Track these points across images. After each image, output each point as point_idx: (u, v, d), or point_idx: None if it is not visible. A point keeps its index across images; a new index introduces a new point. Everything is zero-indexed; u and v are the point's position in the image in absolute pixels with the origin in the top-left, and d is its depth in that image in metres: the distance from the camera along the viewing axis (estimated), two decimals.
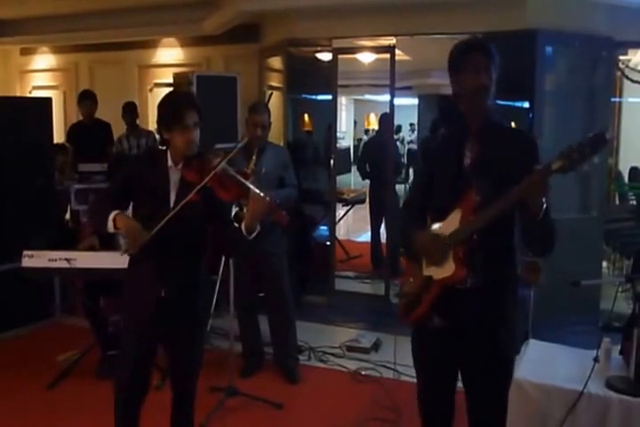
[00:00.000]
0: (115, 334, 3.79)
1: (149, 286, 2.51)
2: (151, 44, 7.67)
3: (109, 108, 6.67)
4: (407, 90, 9.13)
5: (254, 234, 2.38)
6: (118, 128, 6.53)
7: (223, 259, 3.83)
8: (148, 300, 2.51)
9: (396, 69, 5.51)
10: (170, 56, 7.62)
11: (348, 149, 9.61)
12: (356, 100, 12.74)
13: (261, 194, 2.31)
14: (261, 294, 4.11)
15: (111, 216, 2.40)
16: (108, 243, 3.96)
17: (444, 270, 2.19)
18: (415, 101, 10.27)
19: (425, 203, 2.36)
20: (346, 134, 11.97)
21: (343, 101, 11.97)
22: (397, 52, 5.51)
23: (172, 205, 2.45)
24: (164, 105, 2.48)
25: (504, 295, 2.26)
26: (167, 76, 6.64)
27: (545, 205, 2.04)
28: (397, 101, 5.76)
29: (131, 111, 6.43)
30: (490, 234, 2.13)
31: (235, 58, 7.00)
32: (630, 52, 6.13)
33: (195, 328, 2.61)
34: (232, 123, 5.43)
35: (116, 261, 3.69)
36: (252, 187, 2.34)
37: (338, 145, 6.96)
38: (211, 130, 5.03)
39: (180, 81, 5.64)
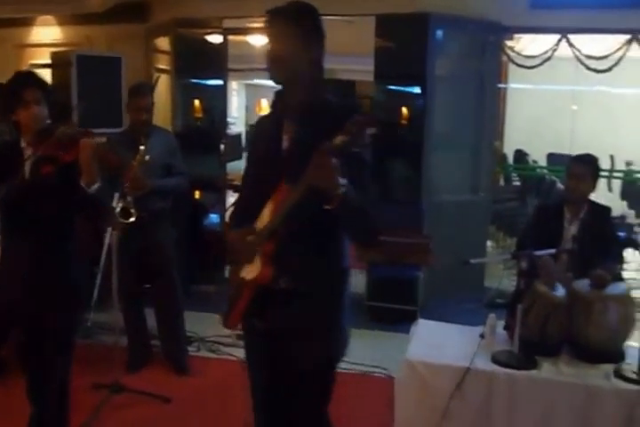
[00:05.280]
0: None
1: (11, 267, 2.51)
2: (27, 22, 7.16)
3: None
4: None
5: (95, 186, 2.36)
6: None
7: (105, 249, 3.62)
8: (7, 281, 2.50)
9: None
10: (47, 35, 7.15)
11: (240, 134, 9.44)
12: (247, 84, 12.51)
13: (90, 140, 2.32)
14: (148, 285, 3.93)
15: None
16: None
17: (254, 270, 1.97)
18: None
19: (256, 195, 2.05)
20: (237, 120, 11.76)
21: (234, 86, 11.72)
22: None
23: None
24: (3, 89, 2.52)
25: (323, 298, 1.97)
26: (45, 57, 6.21)
27: (344, 192, 1.74)
28: None
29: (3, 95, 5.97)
30: (301, 230, 1.89)
31: (119, 38, 6.62)
32: (515, 37, 6.32)
33: (56, 313, 2.49)
34: (116, 106, 5.15)
35: None
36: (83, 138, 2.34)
37: (229, 131, 6.79)
38: (92, 113, 4.81)
39: (58, 61, 5.31)
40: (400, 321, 4.20)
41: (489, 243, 6.13)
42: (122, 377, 3.48)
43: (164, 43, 6.11)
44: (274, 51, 1.92)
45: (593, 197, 3.15)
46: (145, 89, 3.85)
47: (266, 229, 1.91)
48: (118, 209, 3.44)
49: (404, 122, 5.17)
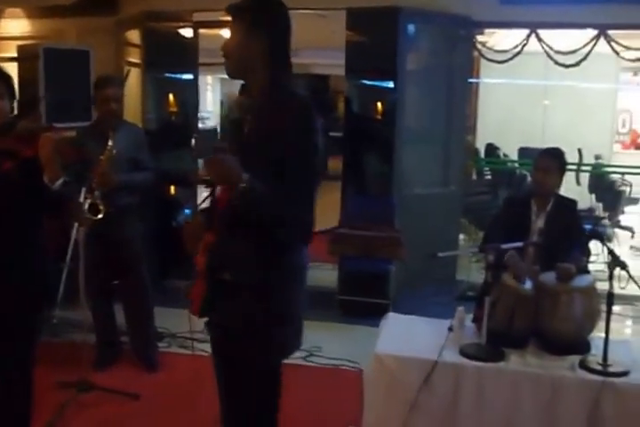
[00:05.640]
0: None
1: None
2: None
3: None
4: None
5: (59, 182, 2.31)
6: None
7: (72, 245, 3.55)
8: None
9: None
10: (16, 28, 7.01)
11: (214, 129, 9.37)
12: (222, 79, 12.42)
13: (50, 135, 2.28)
14: (116, 282, 3.88)
15: None
16: None
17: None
18: None
19: None
20: (212, 114, 11.69)
21: (209, 80, 11.64)
22: None
23: None
24: None
25: (269, 294, 1.92)
26: (13, 50, 6.09)
27: (244, 187, 1.75)
28: None
29: None
30: (239, 224, 1.86)
31: (89, 31, 6.50)
32: (488, 32, 6.36)
33: (19, 313, 2.41)
34: (85, 100, 5.06)
35: None
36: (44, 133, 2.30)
37: (203, 126, 6.73)
38: (61, 107, 4.72)
39: (25, 54, 5.21)
40: (371, 315, 4.19)
41: (461, 236, 6.18)
42: (89, 375, 3.43)
43: (134, 36, 6.01)
44: (223, 46, 1.97)
45: (562, 190, 3.18)
46: (112, 79, 3.77)
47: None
48: (87, 205, 3.39)
49: (375, 116, 5.17)
